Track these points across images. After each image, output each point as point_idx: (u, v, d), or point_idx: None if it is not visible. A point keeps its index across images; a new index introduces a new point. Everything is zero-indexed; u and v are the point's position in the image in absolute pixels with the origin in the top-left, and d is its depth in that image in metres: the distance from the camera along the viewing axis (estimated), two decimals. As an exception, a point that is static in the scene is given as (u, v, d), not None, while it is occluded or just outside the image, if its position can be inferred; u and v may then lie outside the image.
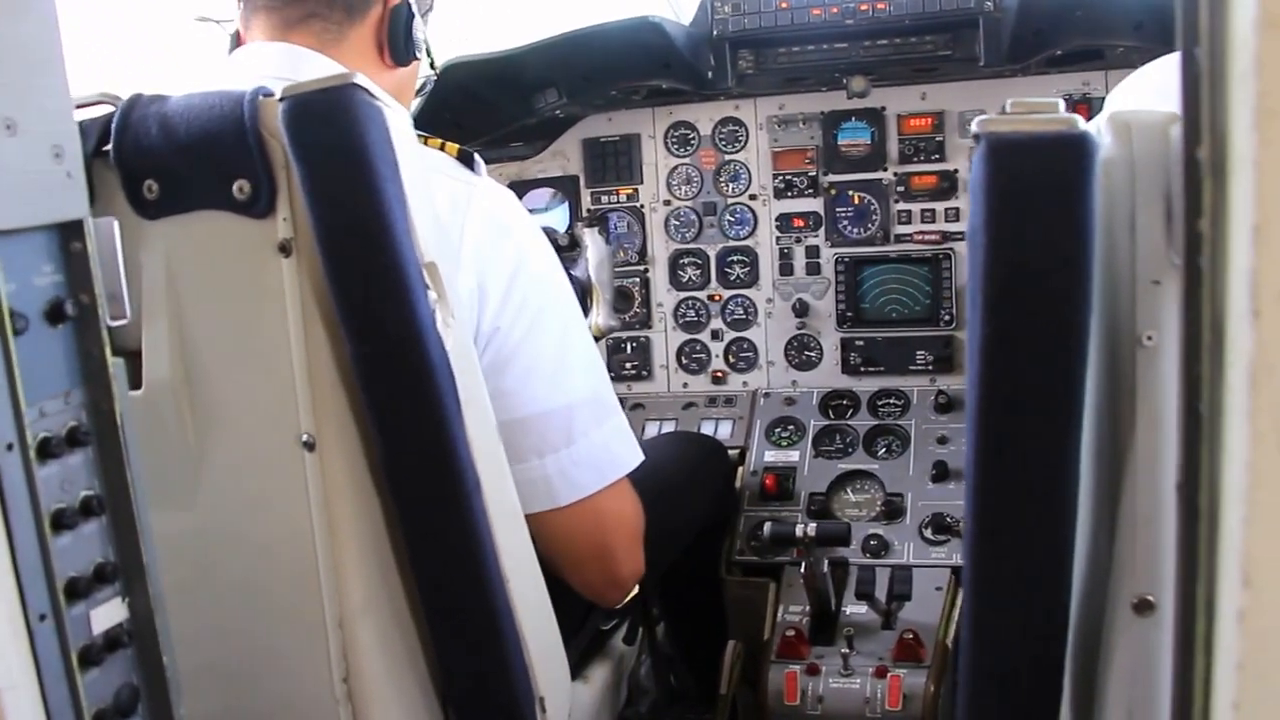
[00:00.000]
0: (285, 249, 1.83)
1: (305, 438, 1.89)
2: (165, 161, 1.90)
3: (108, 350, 1.29)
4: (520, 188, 4.32)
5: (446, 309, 1.85)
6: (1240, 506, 0.83)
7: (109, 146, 1.93)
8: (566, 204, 4.33)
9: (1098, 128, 1.49)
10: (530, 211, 4.19)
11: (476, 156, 2.24)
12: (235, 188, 1.84)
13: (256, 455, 1.94)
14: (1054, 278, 1.41)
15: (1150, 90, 1.77)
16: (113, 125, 1.93)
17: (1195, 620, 0.93)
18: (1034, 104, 1.40)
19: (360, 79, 1.75)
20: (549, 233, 4.05)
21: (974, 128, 1.43)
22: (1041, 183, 1.40)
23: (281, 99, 1.75)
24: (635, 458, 2.39)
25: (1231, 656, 0.85)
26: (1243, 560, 0.83)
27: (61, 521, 1.23)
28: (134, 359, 1.97)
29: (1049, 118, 1.38)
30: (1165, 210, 1.41)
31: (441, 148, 2.24)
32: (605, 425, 2.34)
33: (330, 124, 1.73)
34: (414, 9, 2.36)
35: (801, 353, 4.14)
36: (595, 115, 4.26)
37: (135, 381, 1.96)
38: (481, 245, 2.13)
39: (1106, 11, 3.39)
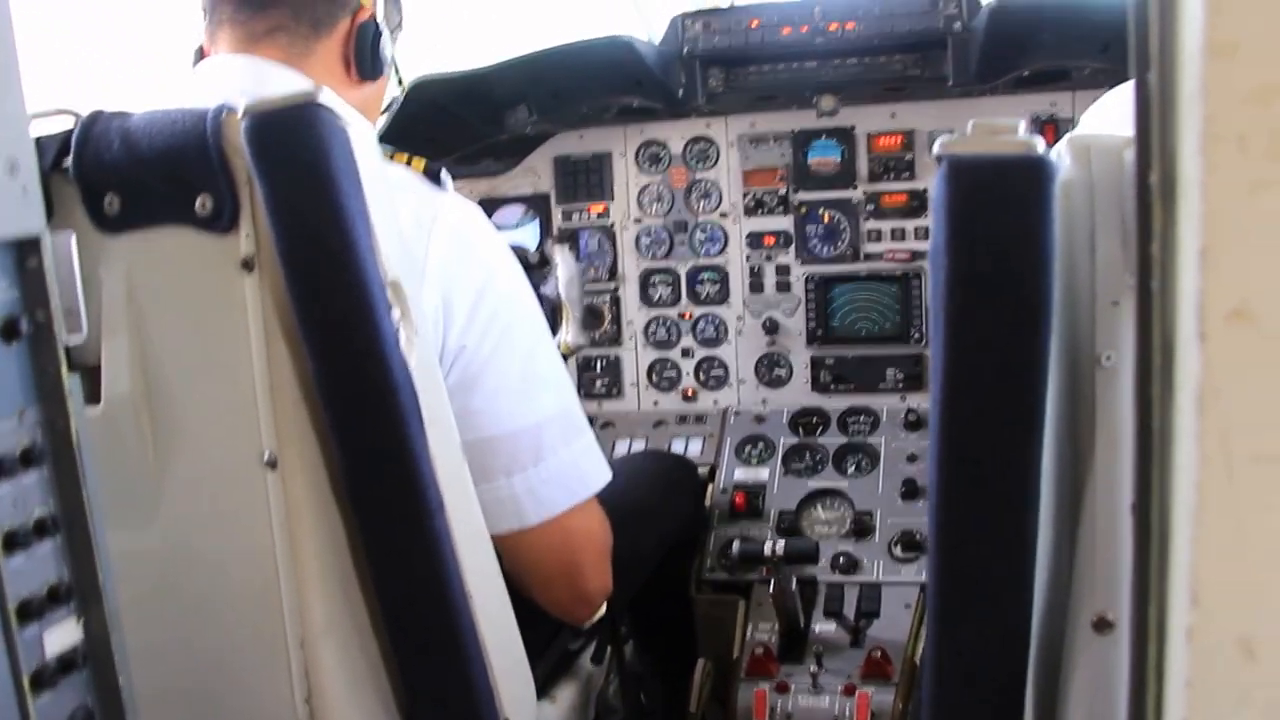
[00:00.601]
0: (248, 265, 1.83)
1: (267, 455, 1.88)
2: (127, 176, 1.89)
3: (64, 368, 1.28)
4: (491, 204, 4.32)
5: (410, 327, 1.85)
6: (1189, 526, 0.83)
7: (68, 161, 1.92)
8: (537, 220, 4.34)
9: (1059, 151, 1.50)
10: (501, 228, 4.23)
11: (443, 172, 2.23)
12: (198, 203, 1.83)
13: (218, 472, 1.93)
14: (1014, 299, 1.42)
15: (1113, 114, 1.79)
16: (73, 139, 1.92)
17: (1148, 639, 0.94)
18: (996, 126, 1.41)
19: (324, 96, 1.75)
20: (519, 250, 4.05)
21: (936, 149, 1.44)
22: (1001, 204, 1.41)
23: (244, 115, 1.74)
24: (603, 476, 2.39)
25: (1181, 675, 0.86)
26: (1191, 580, 0.84)
27: (14, 541, 1.21)
28: (93, 374, 1.96)
29: (1010, 140, 1.39)
30: (1123, 232, 1.42)
31: (408, 163, 2.24)
32: (573, 444, 2.34)
33: (293, 141, 1.73)
34: (381, 26, 2.35)
35: (772, 370, 4.15)
36: (566, 132, 4.26)
37: (94, 396, 1.95)
38: (447, 262, 2.13)
39: (1073, 33, 3.41)
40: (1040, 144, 1.41)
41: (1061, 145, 1.51)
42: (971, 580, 1.61)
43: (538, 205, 4.32)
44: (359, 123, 1.84)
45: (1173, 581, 0.88)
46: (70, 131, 1.94)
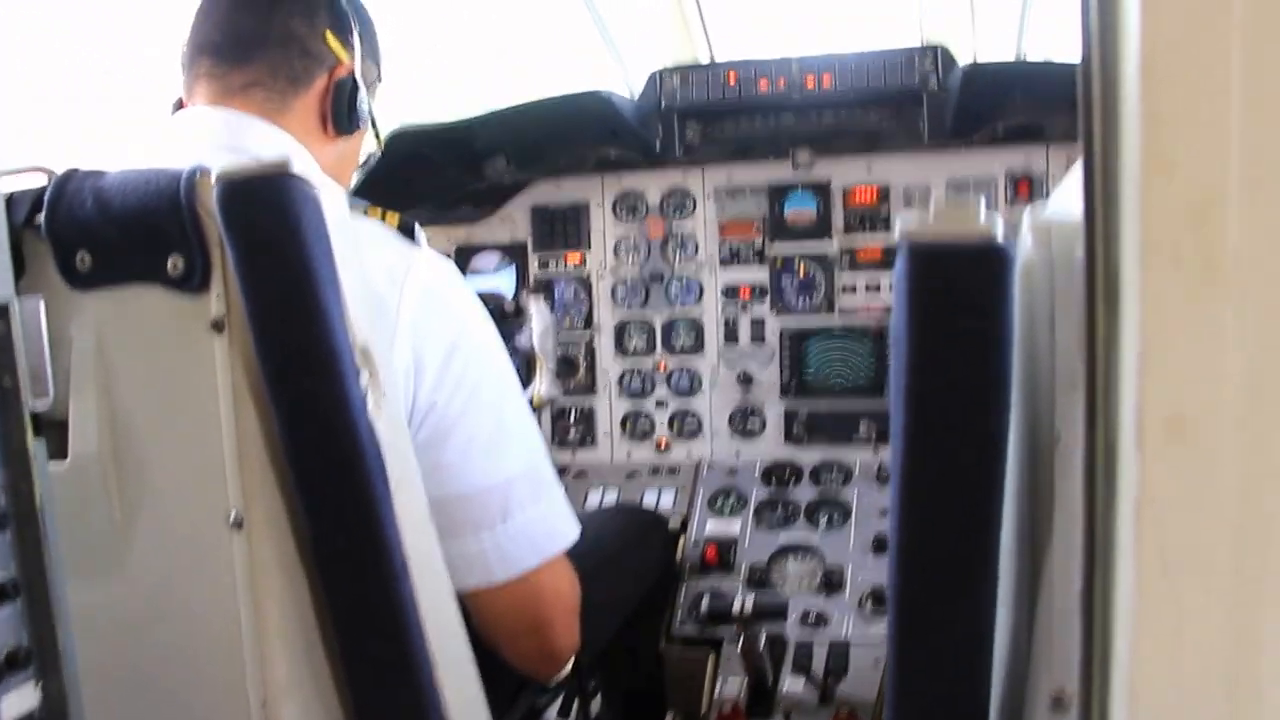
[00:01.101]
0: (218, 326, 1.84)
1: (234, 515, 1.88)
2: (99, 233, 1.90)
3: (29, 434, 1.30)
4: (467, 251, 4.34)
5: (379, 392, 1.86)
6: (1129, 624, 0.86)
7: (41, 217, 1.93)
8: (514, 266, 4.36)
9: (1023, 227, 1.53)
10: (478, 274, 4.25)
11: (417, 227, 2.24)
12: (169, 263, 1.84)
13: (184, 531, 1.93)
14: (973, 384, 1.45)
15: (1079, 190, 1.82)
16: (46, 195, 1.93)
17: (1093, 722, 0.96)
18: (957, 210, 1.43)
19: (296, 165, 1.76)
20: (494, 298, 4.08)
21: (897, 232, 1.47)
22: (961, 292, 1.43)
23: (217, 181, 1.76)
24: (572, 533, 2.40)
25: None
26: (1130, 678, 0.86)
27: (-27, 607, 1.22)
28: (61, 428, 1.97)
29: (970, 227, 1.42)
30: (1081, 315, 1.44)
31: (382, 217, 2.25)
32: (542, 501, 2.34)
33: (264, 211, 1.74)
34: (359, 81, 2.38)
35: (745, 422, 4.18)
36: (544, 181, 4.29)
37: (61, 451, 1.96)
38: (419, 319, 2.14)
39: (1046, 93, 3.47)
40: (1000, 230, 1.43)
41: (1024, 223, 1.54)
42: (931, 653, 1.63)
43: (514, 253, 4.36)
44: (332, 188, 1.85)
45: (1114, 674, 0.90)
46: (44, 188, 1.96)
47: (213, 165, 1.83)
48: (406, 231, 2.23)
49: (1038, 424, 1.53)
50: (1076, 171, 2.05)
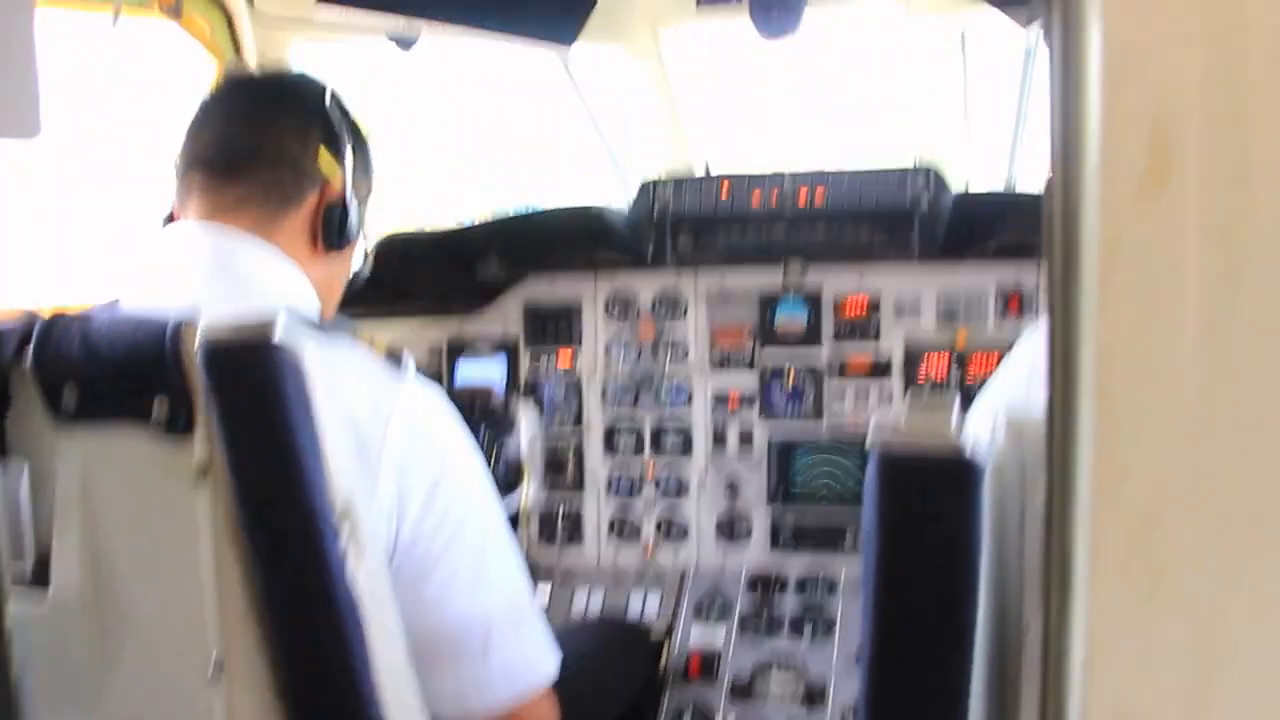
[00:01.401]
0: (202, 471, 1.86)
1: (214, 660, 1.89)
2: (85, 372, 1.93)
3: (6, 597, 1.31)
4: (458, 345, 4.37)
5: (359, 547, 1.88)
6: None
7: (29, 352, 1.96)
8: (505, 353, 4.38)
9: (994, 424, 1.56)
10: (468, 360, 4.27)
11: (405, 355, 2.26)
12: (155, 406, 1.87)
13: (164, 674, 1.95)
14: (941, 589, 1.47)
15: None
16: (34, 333, 1.96)
17: None
18: (928, 417, 1.46)
19: (282, 328, 1.79)
20: (484, 395, 4.11)
21: (869, 438, 1.50)
22: (930, 503, 1.46)
23: (200, 343, 1.79)
24: (552, 668, 2.40)
25: None
26: None
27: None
28: (42, 561, 1.99)
29: (940, 439, 1.45)
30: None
31: (370, 343, 2.27)
32: (522, 635, 2.35)
33: (248, 378, 1.77)
34: (350, 198, 2.40)
35: (732, 527, 4.19)
36: (537, 278, 4.33)
37: (43, 582, 1.98)
38: (403, 454, 2.15)
39: (1036, 220, 3.50)
40: (969, 443, 1.46)
41: (996, 422, 1.57)
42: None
43: (505, 349, 4.37)
44: (317, 344, 1.88)
45: None
46: (32, 324, 1.99)
47: (201, 297, 1.86)
48: (394, 360, 2.24)
49: (1006, 617, 1.55)
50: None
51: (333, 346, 2.03)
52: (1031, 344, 2.18)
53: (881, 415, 4.00)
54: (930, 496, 1.46)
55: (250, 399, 1.77)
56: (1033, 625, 1.50)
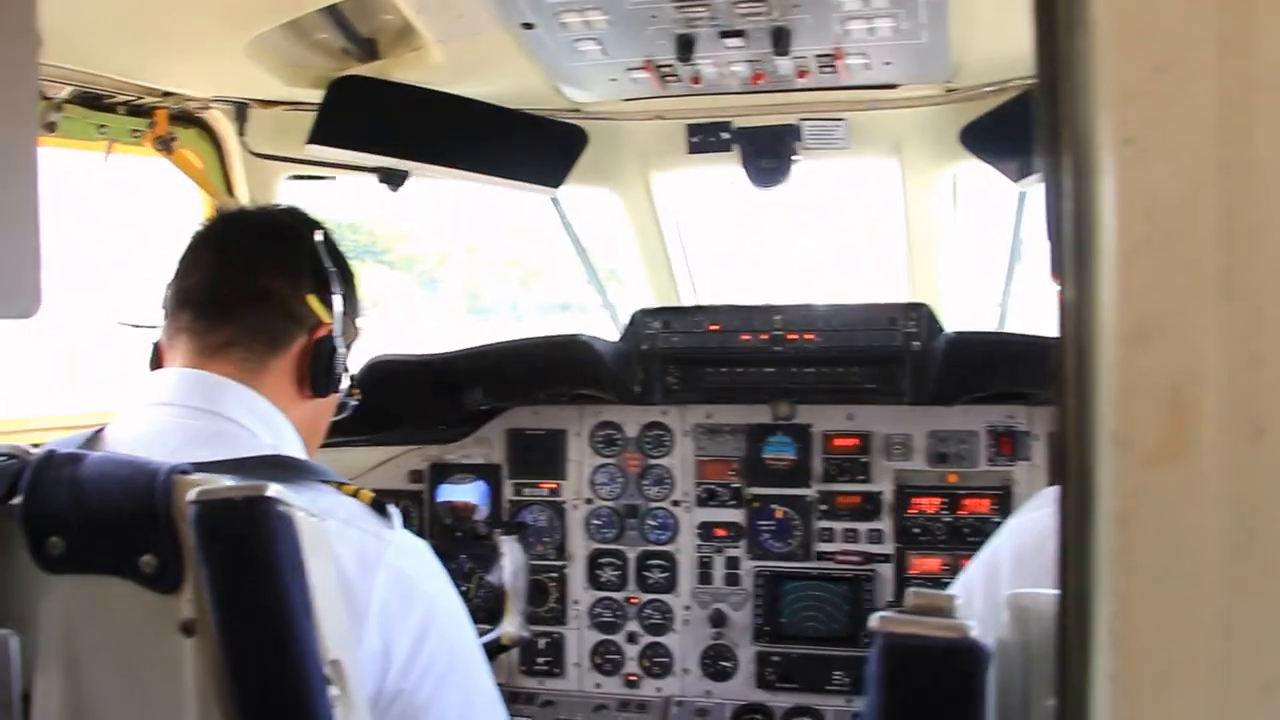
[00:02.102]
0: (188, 629, 1.85)
1: None
2: (72, 522, 1.92)
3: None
4: (441, 471, 4.37)
5: (347, 703, 1.88)
6: None
7: (16, 500, 1.96)
8: (486, 482, 4.37)
9: (997, 608, 1.57)
10: (451, 484, 4.26)
11: (391, 507, 2.27)
12: (142, 561, 1.86)
13: (144, 831, 1.93)
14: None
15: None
16: (23, 480, 1.96)
17: None
18: (932, 600, 1.47)
19: (273, 490, 1.80)
20: (467, 510, 4.11)
21: (873, 622, 1.50)
22: (934, 689, 1.47)
23: (193, 503, 1.79)
24: None
25: None
26: None
27: None
28: (25, 703, 1.97)
29: (944, 623, 1.46)
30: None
31: (355, 494, 2.27)
32: (506, 786, 2.34)
33: (238, 535, 1.78)
34: (338, 343, 2.41)
35: (717, 662, 4.16)
36: (521, 407, 4.34)
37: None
38: (388, 605, 2.15)
39: (1031, 367, 3.54)
40: (972, 629, 1.47)
41: (1002, 602, 1.58)
42: None
43: (489, 476, 4.37)
44: (308, 509, 1.88)
45: None
46: (20, 468, 1.98)
47: (186, 444, 1.87)
48: (379, 509, 2.25)
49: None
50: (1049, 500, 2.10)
51: (320, 498, 2.04)
52: (1020, 527, 2.21)
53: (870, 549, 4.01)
54: (935, 680, 1.46)
55: (242, 557, 1.77)
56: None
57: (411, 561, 2.24)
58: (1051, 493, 2.06)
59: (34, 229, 1.23)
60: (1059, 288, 0.91)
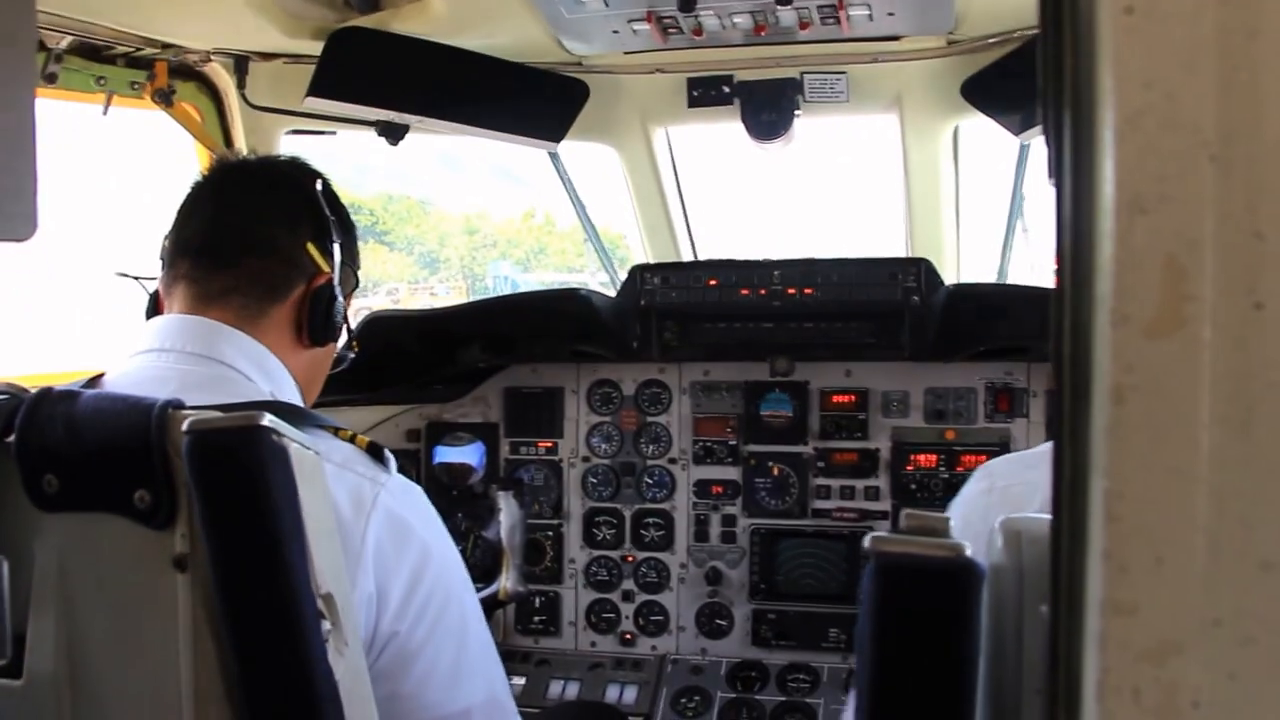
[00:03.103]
0: (181, 564, 1.84)
1: None
2: (67, 459, 1.91)
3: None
4: (438, 430, 4.37)
5: (340, 638, 1.87)
6: None
7: (11, 437, 1.95)
8: (483, 443, 4.37)
9: (991, 533, 1.56)
10: (448, 445, 4.26)
11: (387, 452, 2.26)
12: (136, 496, 1.85)
13: (137, 764, 1.92)
14: (937, 696, 1.47)
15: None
16: (18, 417, 1.95)
17: None
18: (926, 521, 1.46)
19: (268, 419, 1.79)
20: (463, 472, 4.10)
21: (866, 543, 1.49)
22: (927, 608, 1.46)
23: (187, 432, 1.78)
24: None
25: None
26: None
27: None
28: (18, 643, 1.97)
29: (939, 542, 1.45)
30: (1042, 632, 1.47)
31: (352, 439, 2.27)
32: (502, 732, 2.34)
33: (232, 465, 1.77)
34: (337, 291, 2.40)
35: (712, 620, 4.17)
36: (519, 365, 4.34)
37: (17, 667, 1.95)
38: (383, 548, 2.15)
39: (1032, 316, 3.53)
40: (967, 548, 1.46)
41: (995, 528, 1.57)
42: None
43: (486, 435, 4.36)
44: (302, 440, 1.88)
45: None
46: (14, 405, 1.97)
47: (182, 391, 1.86)
48: (375, 454, 2.24)
49: (1004, 728, 1.54)
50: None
51: (316, 442, 2.03)
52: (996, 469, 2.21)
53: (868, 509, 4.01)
54: (928, 604, 1.45)
55: (235, 486, 1.77)
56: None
57: (406, 505, 2.24)
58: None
59: (30, 154, 1.24)
60: (1056, 159, 0.90)
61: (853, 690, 1.57)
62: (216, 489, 1.78)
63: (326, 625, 1.85)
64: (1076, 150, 0.88)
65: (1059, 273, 0.92)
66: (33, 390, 2.01)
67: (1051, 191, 0.93)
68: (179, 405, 1.86)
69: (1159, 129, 0.82)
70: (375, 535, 2.14)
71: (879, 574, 1.47)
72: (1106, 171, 0.83)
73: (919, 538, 1.45)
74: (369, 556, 2.12)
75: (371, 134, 3.89)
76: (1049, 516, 0.94)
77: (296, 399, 2.35)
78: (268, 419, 1.79)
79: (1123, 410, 0.83)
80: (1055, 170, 0.91)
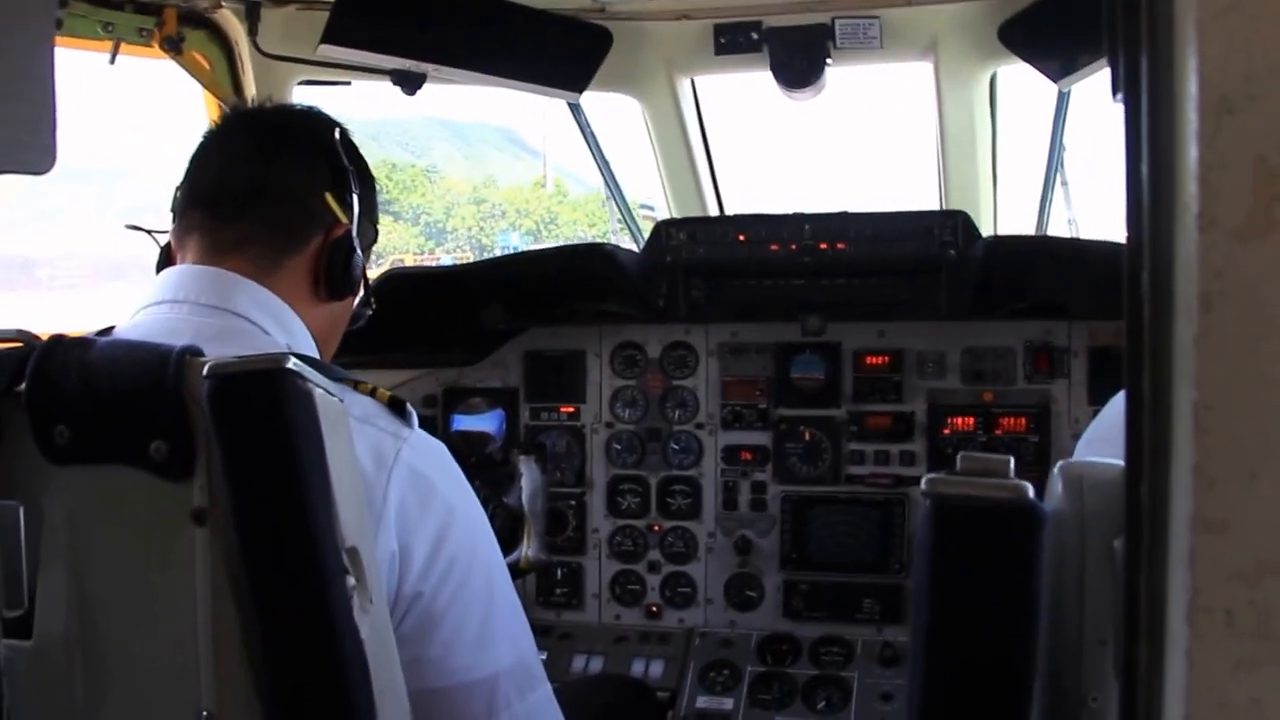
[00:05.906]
0: (199, 517, 1.83)
1: (204, 715, 1.87)
2: (80, 410, 1.90)
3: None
4: (456, 395, 4.35)
5: (364, 595, 1.86)
6: None
7: (21, 386, 1.94)
8: (502, 410, 4.35)
9: (1052, 478, 1.54)
10: (466, 414, 4.24)
11: (409, 406, 2.25)
12: (152, 448, 1.84)
13: (151, 722, 1.92)
14: (997, 645, 1.46)
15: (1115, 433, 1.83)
16: (29, 365, 1.94)
17: None
18: (985, 463, 1.45)
19: (292, 362, 1.78)
20: (482, 440, 4.08)
21: (923, 485, 1.48)
22: (988, 552, 1.45)
23: (208, 376, 1.77)
24: None
25: None
26: None
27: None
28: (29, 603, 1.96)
29: (998, 483, 1.43)
30: (1113, 570, 1.45)
31: (372, 393, 2.25)
32: (529, 697, 2.32)
33: (255, 409, 1.76)
34: (355, 243, 2.39)
35: (742, 592, 4.15)
36: (540, 327, 4.32)
37: (26, 627, 1.95)
38: (405, 505, 2.14)
39: (1072, 269, 3.51)
40: (1029, 490, 1.44)
41: (1055, 473, 1.56)
42: None
43: (505, 400, 4.34)
44: (326, 386, 1.87)
45: None
46: (26, 353, 1.96)
47: (197, 342, 1.85)
48: (397, 409, 2.23)
49: (1062, 686, 1.53)
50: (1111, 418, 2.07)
51: (337, 392, 2.02)
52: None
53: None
54: (988, 547, 1.44)
55: (258, 431, 1.76)
56: (1097, 698, 1.48)
57: (430, 461, 2.23)
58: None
59: (49, 90, 1.26)
60: (1129, 69, 0.89)
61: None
62: (238, 434, 1.77)
63: (350, 581, 1.84)
64: (1154, 54, 0.86)
65: (1130, 184, 0.90)
66: (45, 339, 2.00)
67: (1119, 109, 0.91)
68: (197, 352, 1.85)
69: (1246, 24, 0.80)
70: (398, 492, 2.13)
71: (937, 517, 1.46)
72: (1190, 72, 0.82)
73: (978, 479, 1.43)
74: (391, 514, 2.11)
75: (374, 97, 3.88)
76: (1111, 461, 0.93)
77: (313, 353, 2.34)
78: (292, 362, 1.78)
79: (1211, 318, 0.82)
80: (1127, 80, 0.90)
